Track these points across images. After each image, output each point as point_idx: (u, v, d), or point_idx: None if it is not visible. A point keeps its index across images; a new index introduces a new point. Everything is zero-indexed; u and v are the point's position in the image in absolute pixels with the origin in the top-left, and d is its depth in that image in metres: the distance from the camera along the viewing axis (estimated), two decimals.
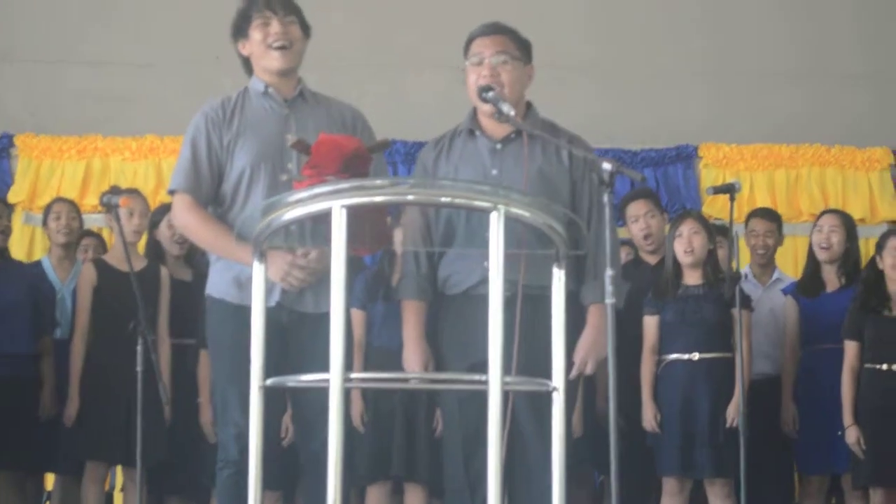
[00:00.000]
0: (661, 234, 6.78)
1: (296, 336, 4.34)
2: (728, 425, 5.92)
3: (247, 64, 4.66)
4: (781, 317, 6.86)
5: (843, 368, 6.25)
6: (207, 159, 4.48)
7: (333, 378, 3.03)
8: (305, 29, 4.61)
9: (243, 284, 4.28)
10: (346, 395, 3.05)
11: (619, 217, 6.79)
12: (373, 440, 6.14)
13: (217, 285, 4.52)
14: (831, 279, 6.72)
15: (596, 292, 4.39)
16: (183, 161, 4.50)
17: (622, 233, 6.91)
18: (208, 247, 4.58)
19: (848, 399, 6.22)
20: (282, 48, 4.52)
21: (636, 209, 6.75)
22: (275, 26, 4.51)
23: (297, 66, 4.62)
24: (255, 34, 4.53)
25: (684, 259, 6.17)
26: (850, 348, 6.27)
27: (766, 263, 7.18)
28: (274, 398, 4.19)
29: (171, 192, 4.54)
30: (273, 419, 4.62)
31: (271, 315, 3.85)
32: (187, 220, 4.52)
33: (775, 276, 7.13)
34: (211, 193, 4.51)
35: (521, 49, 4.63)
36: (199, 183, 4.48)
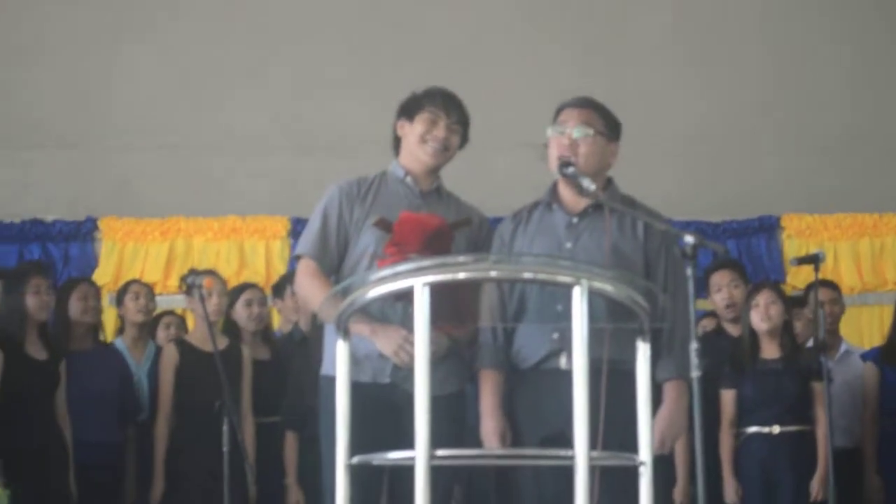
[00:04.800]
0: (743, 304, 6.74)
1: (409, 417, 4.30)
2: (812, 500, 5.85)
3: (396, 144, 4.75)
4: (856, 388, 6.75)
5: None
6: (336, 230, 4.57)
7: (419, 455, 3.02)
8: (464, 140, 4.73)
9: (358, 361, 4.23)
10: (433, 472, 3.03)
11: (703, 288, 6.76)
12: None
13: (331, 364, 4.50)
14: None
15: (671, 368, 4.32)
16: (312, 228, 4.61)
17: (705, 304, 6.88)
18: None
19: None
20: (436, 148, 4.62)
21: (720, 279, 6.73)
22: (441, 128, 4.63)
23: (442, 166, 4.72)
24: (419, 125, 4.64)
25: (761, 326, 6.12)
26: None
27: (833, 332, 7.06)
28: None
29: (297, 257, 4.64)
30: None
31: (384, 393, 4.13)
32: (309, 285, 4.57)
33: (843, 348, 7.00)
34: (335, 264, 4.58)
35: (608, 125, 4.56)
36: (325, 251, 4.56)
